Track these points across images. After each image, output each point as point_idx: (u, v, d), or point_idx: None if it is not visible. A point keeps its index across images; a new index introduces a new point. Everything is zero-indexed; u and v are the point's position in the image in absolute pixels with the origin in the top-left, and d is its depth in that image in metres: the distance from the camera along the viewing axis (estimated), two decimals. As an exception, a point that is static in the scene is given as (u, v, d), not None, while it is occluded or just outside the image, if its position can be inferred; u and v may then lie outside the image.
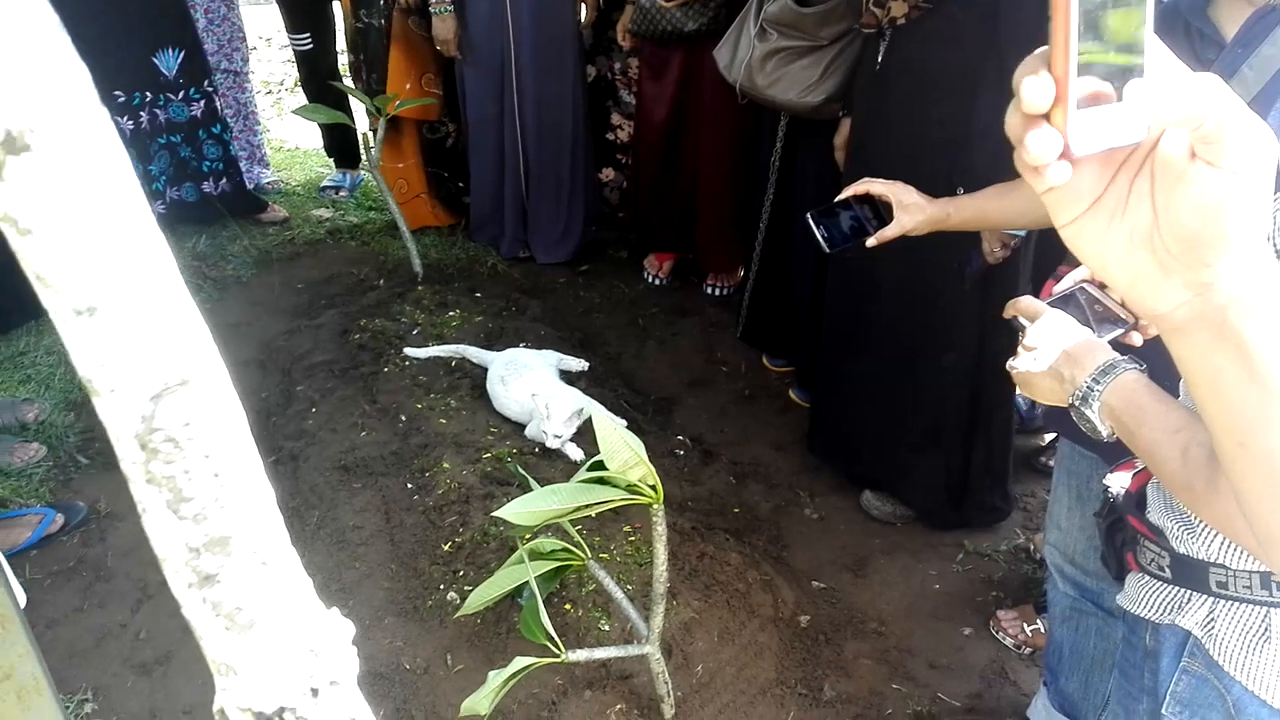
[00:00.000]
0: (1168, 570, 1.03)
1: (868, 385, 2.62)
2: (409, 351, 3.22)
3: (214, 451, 0.48)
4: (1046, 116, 0.49)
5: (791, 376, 3.29)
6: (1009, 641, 2.30)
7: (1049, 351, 1.01)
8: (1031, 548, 2.58)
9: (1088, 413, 0.96)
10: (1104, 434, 0.96)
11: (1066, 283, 1.16)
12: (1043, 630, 2.26)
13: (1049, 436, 3.03)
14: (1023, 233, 2.03)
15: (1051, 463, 2.91)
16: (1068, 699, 1.88)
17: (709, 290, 3.84)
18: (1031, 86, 0.48)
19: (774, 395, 3.25)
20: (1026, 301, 1.09)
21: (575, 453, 2.75)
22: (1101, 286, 1.15)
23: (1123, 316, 1.15)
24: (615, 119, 4.00)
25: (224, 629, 0.51)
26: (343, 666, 0.55)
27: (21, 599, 0.91)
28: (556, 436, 2.74)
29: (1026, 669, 2.25)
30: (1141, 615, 1.07)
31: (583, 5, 3.86)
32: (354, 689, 0.57)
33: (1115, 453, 1.44)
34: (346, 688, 0.56)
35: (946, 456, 2.54)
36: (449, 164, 4.22)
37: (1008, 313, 1.11)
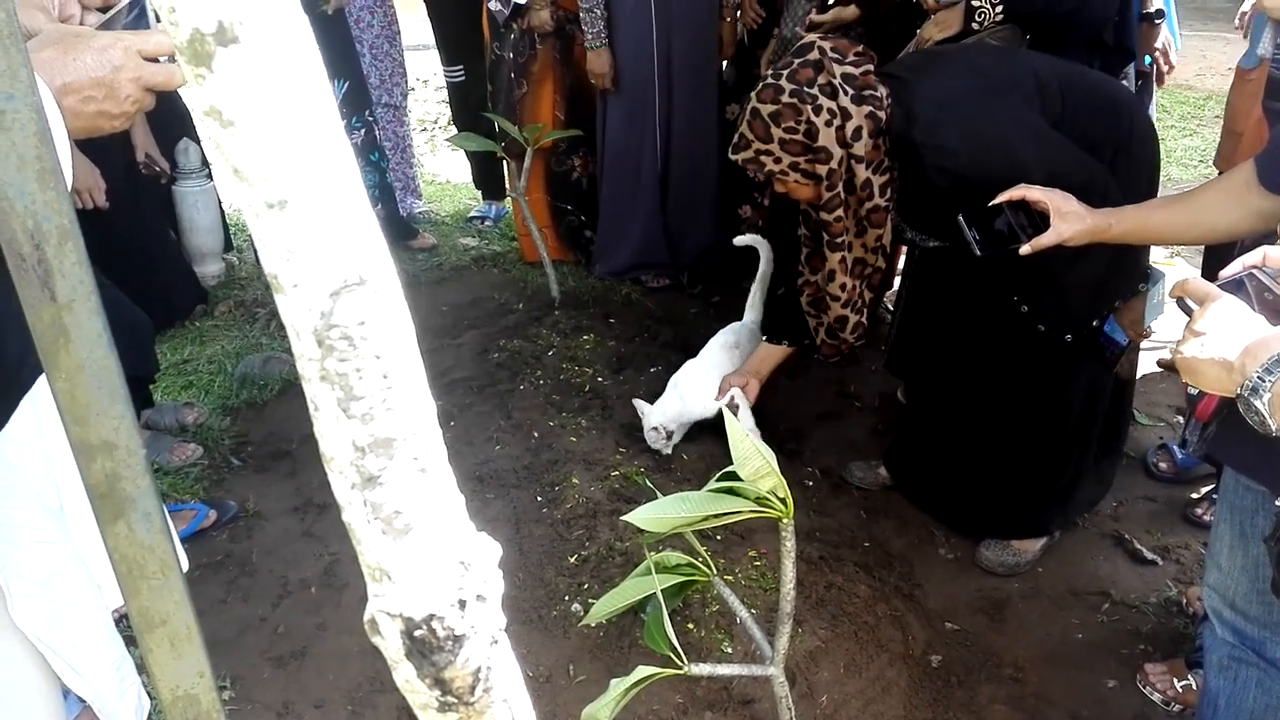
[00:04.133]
0: None
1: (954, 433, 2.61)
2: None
3: (385, 353, 0.50)
4: None
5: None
6: (1157, 697, 2.16)
7: (1219, 338, 0.95)
8: (1184, 601, 2.42)
9: (1257, 404, 0.90)
10: (1273, 428, 0.90)
11: (1235, 267, 1.08)
12: (1194, 687, 2.11)
13: (1205, 489, 2.85)
14: (1160, 314, 2.02)
15: (1206, 515, 2.74)
16: (1223, 758, 1.74)
17: (844, 325, 3.77)
18: None
19: (908, 432, 3.16)
20: (1196, 283, 1.03)
21: None
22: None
23: None
24: (756, 156, 4.02)
25: (381, 532, 0.53)
26: (490, 584, 0.56)
27: (184, 564, 0.96)
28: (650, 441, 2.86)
29: (1176, 727, 2.10)
30: None
31: (723, 38, 3.91)
32: (499, 609, 0.58)
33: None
34: (492, 606, 0.57)
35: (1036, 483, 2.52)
36: (573, 198, 4.25)
37: (1174, 293, 1.05)
